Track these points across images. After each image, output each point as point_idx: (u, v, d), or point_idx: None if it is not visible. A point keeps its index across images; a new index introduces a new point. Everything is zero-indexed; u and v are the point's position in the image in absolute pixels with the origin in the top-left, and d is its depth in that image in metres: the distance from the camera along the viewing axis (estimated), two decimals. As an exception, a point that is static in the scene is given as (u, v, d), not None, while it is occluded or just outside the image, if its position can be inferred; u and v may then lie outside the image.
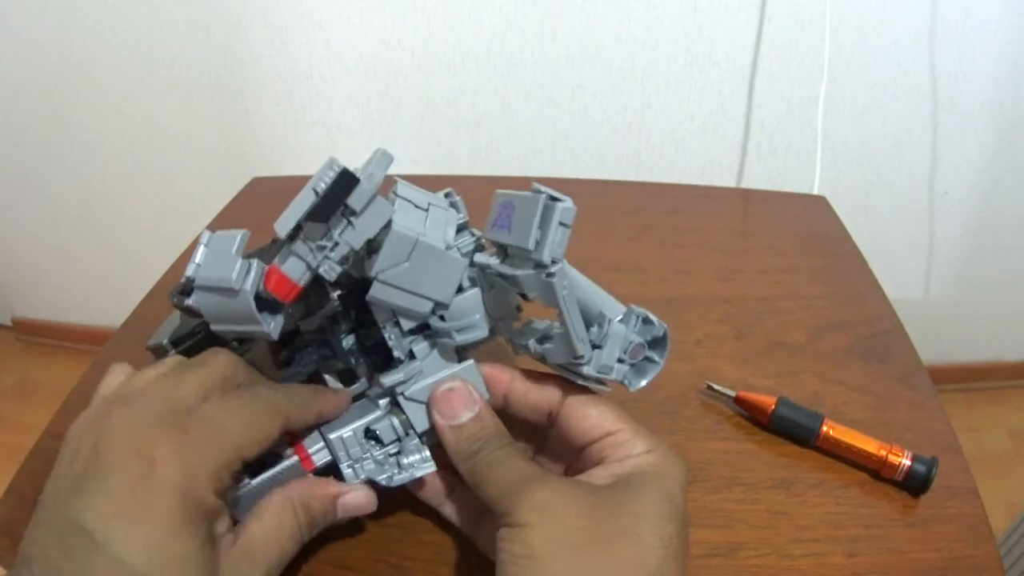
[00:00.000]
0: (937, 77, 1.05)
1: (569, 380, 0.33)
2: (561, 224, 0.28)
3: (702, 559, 0.36)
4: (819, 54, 0.98)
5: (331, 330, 0.35)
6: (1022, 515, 0.83)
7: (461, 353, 0.34)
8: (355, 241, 0.29)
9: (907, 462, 0.39)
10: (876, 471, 0.40)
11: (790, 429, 0.42)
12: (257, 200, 0.72)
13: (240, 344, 0.36)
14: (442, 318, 0.33)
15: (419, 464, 0.33)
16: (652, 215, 0.65)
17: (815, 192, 0.89)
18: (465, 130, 1.09)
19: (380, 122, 1.11)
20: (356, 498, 0.33)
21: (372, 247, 0.30)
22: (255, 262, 0.30)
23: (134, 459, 0.26)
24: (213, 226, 0.35)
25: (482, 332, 0.33)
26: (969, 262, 1.25)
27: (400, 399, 0.33)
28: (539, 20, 0.99)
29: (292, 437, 0.33)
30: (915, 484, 0.39)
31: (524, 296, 0.31)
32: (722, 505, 0.39)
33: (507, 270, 0.31)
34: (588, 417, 0.32)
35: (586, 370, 0.31)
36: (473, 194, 0.37)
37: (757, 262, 0.59)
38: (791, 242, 0.62)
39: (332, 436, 0.33)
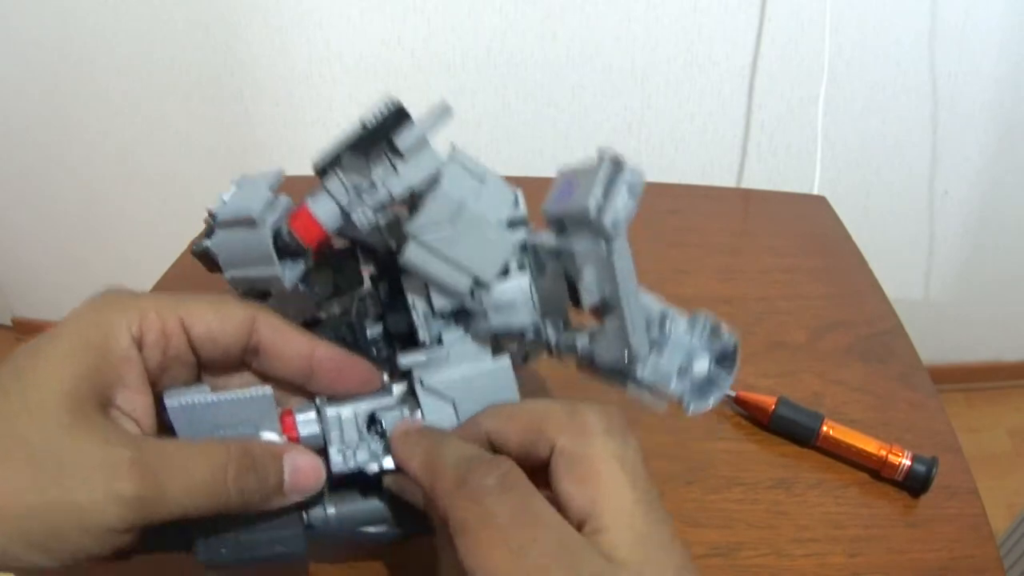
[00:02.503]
0: (937, 77, 1.05)
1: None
2: (629, 190, 0.25)
3: (702, 559, 0.36)
4: (819, 54, 0.99)
5: (357, 314, 0.30)
6: (1022, 515, 0.83)
7: (497, 346, 0.30)
8: (396, 187, 0.26)
9: (907, 462, 0.39)
10: (876, 471, 0.40)
11: (790, 429, 0.42)
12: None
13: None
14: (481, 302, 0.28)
15: None
16: (652, 215, 0.65)
17: (815, 192, 0.89)
18: (465, 130, 1.09)
19: (380, 122, 1.11)
20: (307, 464, 0.27)
21: (414, 203, 0.27)
22: (284, 197, 0.28)
23: (72, 320, 0.25)
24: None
25: (523, 319, 0.28)
26: (969, 262, 1.25)
27: (418, 388, 0.29)
28: (539, 20, 0.99)
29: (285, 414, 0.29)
30: (915, 484, 0.39)
31: (575, 292, 0.26)
32: (722, 505, 0.39)
33: (561, 243, 0.26)
34: (571, 499, 0.25)
35: (641, 374, 0.26)
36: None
37: (757, 262, 0.59)
38: (791, 242, 0.62)
39: (329, 409, 0.28)
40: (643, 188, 0.25)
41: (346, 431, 0.28)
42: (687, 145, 1.09)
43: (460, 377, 0.29)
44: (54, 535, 0.22)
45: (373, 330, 0.30)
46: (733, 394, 0.44)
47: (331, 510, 0.29)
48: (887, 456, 0.40)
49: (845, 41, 1.00)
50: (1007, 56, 1.04)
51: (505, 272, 0.28)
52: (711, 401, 0.28)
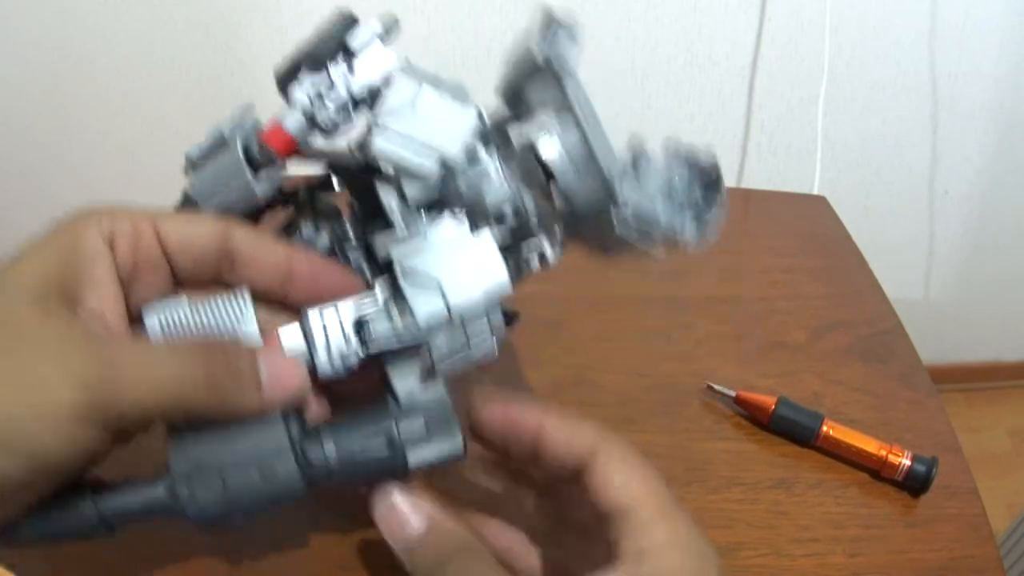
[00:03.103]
0: (937, 77, 1.05)
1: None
2: (566, 33, 0.26)
3: (702, 559, 0.36)
4: (819, 54, 0.99)
5: (336, 240, 0.31)
6: (1022, 515, 0.83)
7: (475, 223, 0.29)
8: (354, 85, 0.28)
9: (907, 462, 0.39)
10: (876, 471, 0.40)
11: (790, 429, 0.42)
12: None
13: None
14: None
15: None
16: (652, 215, 0.65)
17: (815, 192, 0.89)
18: (465, 130, 1.09)
19: (380, 122, 1.11)
20: (286, 364, 0.25)
21: (374, 102, 0.29)
22: (252, 118, 0.30)
23: (47, 230, 0.25)
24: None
25: (498, 194, 0.28)
26: (969, 262, 1.25)
27: (400, 279, 0.27)
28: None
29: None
30: (915, 484, 0.39)
31: (546, 170, 0.27)
32: (722, 505, 0.39)
33: (511, 77, 0.28)
34: (612, 484, 0.26)
35: (621, 195, 0.25)
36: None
37: (757, 262, 0.59)
38: (791, 242, 0.62)
39: (310, 311, 0.27)
40: (581, 34, 0.27)
41: (332, 336, 0.27)
42: (687, 145, 1.09)
43: (442, 256, 0.28)
44: (8, 420, 0.21)
45: (355, 255, 0.30)
46: (733, 395, 0.44)
47: (327, 440, 0.26)
48: (887, 456, 0.40)
49: (845, 41, 1.00)
50: (1007, 56, 1.04)
51: (473, 157, 0.28)
52: (709, 228, 0.26)
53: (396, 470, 0.28)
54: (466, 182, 0.28)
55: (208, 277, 0.27)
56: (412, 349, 0.27)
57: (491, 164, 0.29)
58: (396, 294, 0.27)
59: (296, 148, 0.29)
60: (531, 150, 0.27)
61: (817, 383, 0.47)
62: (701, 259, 0.60)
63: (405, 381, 0.27)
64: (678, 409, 0.45)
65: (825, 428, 0.41)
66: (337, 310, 0.27)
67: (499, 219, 0.29)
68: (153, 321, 0.26)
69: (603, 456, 0.26)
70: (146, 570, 0.34)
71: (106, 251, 0.24)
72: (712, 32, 1.00)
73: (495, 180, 0.28)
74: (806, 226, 0.65)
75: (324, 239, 0.31)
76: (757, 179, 1.11)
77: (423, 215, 0.28)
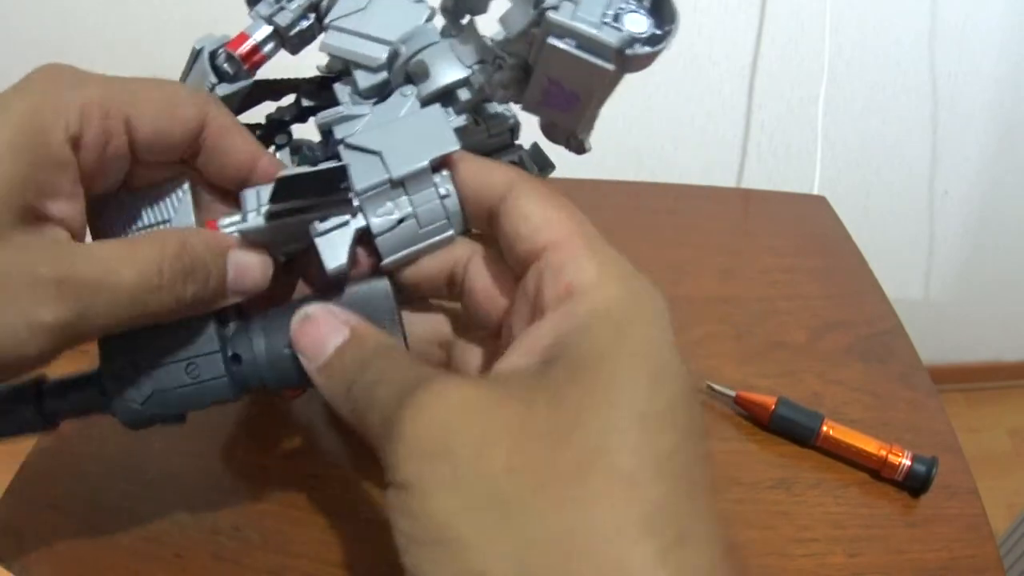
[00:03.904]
0: (937, 77, 1.05)
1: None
2: None
3: (702, 559, 0.36)
4: (819, 54, 0.98)
5: (301, 160, 0.31)
6: (1022, 515, 0.83)
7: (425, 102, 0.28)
8: None
9: (907, 462, 0.39)
10: (876, 471, 0.40)
11: (790, 429, 0.42)
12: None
13: None
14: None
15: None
16: (652, 215, 0.65)
17: (815, 192, 0.89)
18: (465, 130, 1.09)
19: (380, 122, 1.11)
20: (255, 259, 0.25)
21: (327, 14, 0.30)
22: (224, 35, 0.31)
23: (15, 84, 0.22)
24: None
25: (451, 73, 0.27)
26: (969, 262, 1.25)
27: (341, 149, 0.26)
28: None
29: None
30: (915, 484, 0.39)
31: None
32: (722, 505, 0.39)
33: None
34: (526, 220, 0.22)
35: (556, 18, 0.23)
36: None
37: (757, 262, 0.59)
38: (791, 242, 0.62)
39: (247, 191, 0.25)
40: None
41: (263, 198, 0.25)
42: (687, 145, 1.09)
43: (386, 127, 0.26)
44: None
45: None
46: (733, 395, 0.44)
47: (256, 333, 0.25)
48: (887, 456, 0.40)
49: (845, 41, 1.00)
50: (1007, 56, 1.04)
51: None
52: (664, 43, 0.25)
53: None
54: (406, 50, 0.28)
55: (168, 163, 0.25)
56: (341, 225, 0.25)
57: (435, 31, 0.29)
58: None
59: (261, 56, 0.30)
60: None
61: (817, 383, 0.47)
62: (701, 259, 0.60)
63: (335, 251, 0.25)
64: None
65: (825, 428, 0.41)
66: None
67: (451, 99, 0.28)
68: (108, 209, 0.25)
69: (516, 193, 0.23)
70: (146, 570, 0.34)
71: (71, 157, 0.22)
72: (712, 32, 1.00)
73: (438, 45, 0.28)
74: (806, 226, 0.65)
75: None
76: (757, 179, 1.11)
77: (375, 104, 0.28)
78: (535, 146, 0.34)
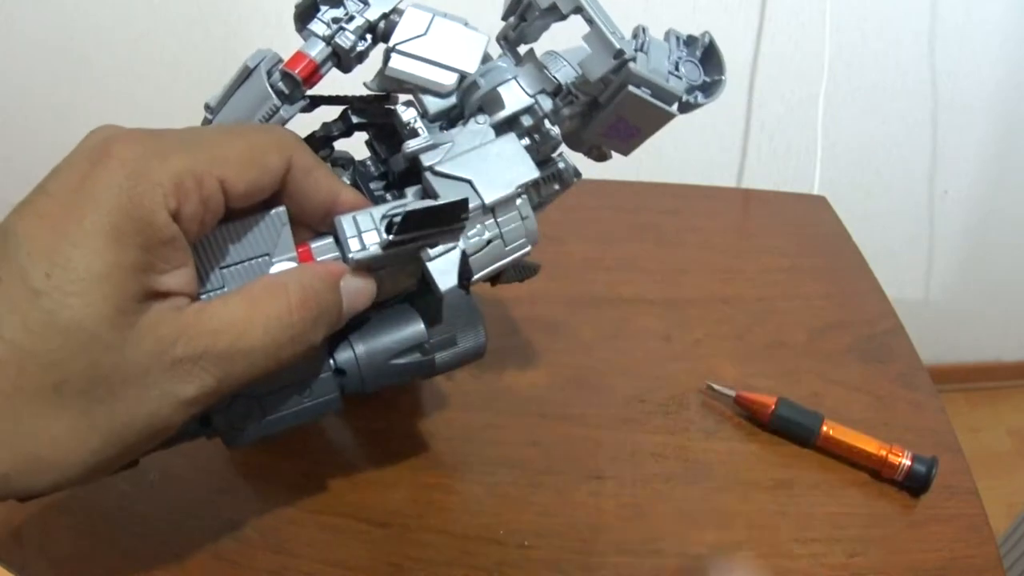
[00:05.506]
0: (937, 77, 1.05)
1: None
2: None
3: (703, 559, 0.36)
4: (819, 54, 0.98)
5: (360, 176, 0.32)
6: (1022, 515, 0.83)
7: (500, 130, 0.30)
8: (370, 14, 0.30)
9: (907, 462, 0.39)
10: (876, 471, 0.40)
11: (790, 429, 0.42)
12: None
13: None
14: None
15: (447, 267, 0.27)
16: (652, 215, 0.65)
17: (815, 192, 0.88)
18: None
19: (380, 122, 1.11)
20: (360, 283, 0.27)
21: (388, 33, 0.30)
22: (272, 52, 0.31)
23: (87, 157, 0.22)
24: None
25: (518, 100, 0.30)
26: (969, 262, 1.25)
27: (428, 176, 0.28)
28: None
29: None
30: (915, 484, 0.39)
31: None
32: (722, 505, 0.39)
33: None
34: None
35: (635, 68, 0.27)
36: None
37: (757, 262, 0.59)
38: (791, 242, 0.62)
39: (342, 218, 0.27)
40: None
41: (364, 231, 0.27)
42: (687, 145, 1.09)
43: (470, 158, 0.28)
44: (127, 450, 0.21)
45: (376, 184, 0.32)
46: (733, 395, 0.44)
47: (359, 347, 0.28)
48: (887, 456, 0.40)
49: (845, 41, 1.00)
50: (1007, 56, 1.04)
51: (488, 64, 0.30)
52: (717, 93, 0.31)
53: (424, 372, 0.29)
54: (484, 83, 0.30)
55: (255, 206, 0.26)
56: (449, 249, 0.28)
57: (508, 67, 0.31)
58: (427, 198, 0.28)
59: (318, 76, 0.30)
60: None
61: (817, 383, 0.47)
62: (701, 259, 0.60)
63: (446, 275, 0.27)
64: (678, 409, 0.45)
65: (825, 428, 0.41)
66: (371, 212, 0.27)
67: (515, 124, 0.30)
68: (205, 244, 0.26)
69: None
70: (145, 570, 0.34)
71: (177, 232, 0.22)
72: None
73: (511, 81, 0.30)
74: (806, 226, 0.65)
75: (346, 181, 0.32)
76: (757, 179, 1.11)
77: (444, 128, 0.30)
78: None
